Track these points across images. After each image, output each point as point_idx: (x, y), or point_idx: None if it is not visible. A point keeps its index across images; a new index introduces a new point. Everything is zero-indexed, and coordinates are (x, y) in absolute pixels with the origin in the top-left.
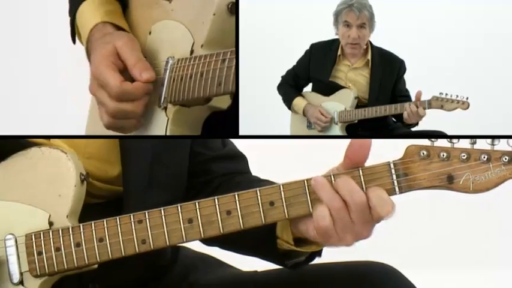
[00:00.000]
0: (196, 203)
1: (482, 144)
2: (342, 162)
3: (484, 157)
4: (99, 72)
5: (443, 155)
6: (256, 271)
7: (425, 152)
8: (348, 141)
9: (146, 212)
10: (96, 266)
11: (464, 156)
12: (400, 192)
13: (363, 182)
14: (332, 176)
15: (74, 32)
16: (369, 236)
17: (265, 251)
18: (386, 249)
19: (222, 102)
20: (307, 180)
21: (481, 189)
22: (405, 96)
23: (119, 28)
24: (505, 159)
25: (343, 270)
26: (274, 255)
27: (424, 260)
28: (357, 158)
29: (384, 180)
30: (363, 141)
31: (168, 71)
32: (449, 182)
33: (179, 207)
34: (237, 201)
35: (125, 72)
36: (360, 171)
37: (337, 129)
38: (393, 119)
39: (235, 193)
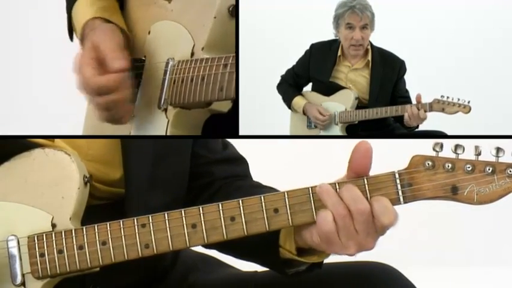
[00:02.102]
0: (200, 208)
1: (487, 156)
2: (345, 174)
3: (489, 169)
4: (81, 70)
5: (448, 166)
6: (256, 271)
7: (430, 163)
8: (347, 142)
9: (150, 216)
10: (98, 268)
11: (469, 167)
12: (405, 202)
13: (367, 191)
14: (337, 184)
15: (71, 29)
16: (372, 247)
17: (266, 258)
18: (387, 249)
19: (223, 106)
20: (312, 187)
21: (486, 201)
22: (405, 97)
23: (109, 22)
24: (510, 171)
25: (343, 271)
26: (276, 263)
27: (424, 260)
28: (360, 169)
29: (388, 189)
30: (364, 151)
31: (168, 73)
32: (453, 193)
33: (183, 212)
34: (241, 208)
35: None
36: (365, 180)
37: (337, 130)
38: (393, 118)
39: (240, 199)
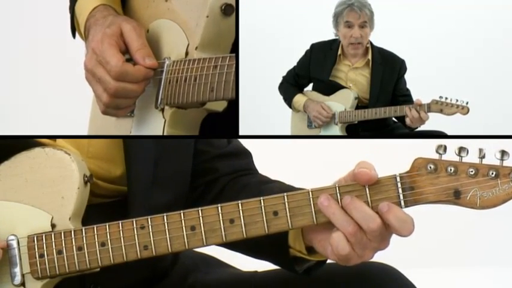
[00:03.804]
0: (200, 211)
1: (491, 159)
2: (346, 175)
3: (492, 173)
4: (101, 49)
5: (450, 170)
6: (256, 271)
7: (432, 166)
8: (347, 142)
9: (149, 217)
10: (98, 269)
11: (472, 171)
12: (406, 206)
13: (368, 195)
14: (337, 189)
15: (74, 26)
16: (387, 246)
17: (276, 258)
18: (386, 249)
19: (218, 105)
20: (312, 191)
21: (488, 206)
22: (406, 96)
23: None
24: None
25: (343, 270)
26: (285, 262)
27: (424, 260)
28: (364, 182)
29: (389, 193)
30: (367, 177)
31: (164, 72)
32: (456, 197)
33: (182, 214)
34: (241, 210)
35: (125, 55)
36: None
37: (337, 130)
38: (393, 118)
39: (239, 201)
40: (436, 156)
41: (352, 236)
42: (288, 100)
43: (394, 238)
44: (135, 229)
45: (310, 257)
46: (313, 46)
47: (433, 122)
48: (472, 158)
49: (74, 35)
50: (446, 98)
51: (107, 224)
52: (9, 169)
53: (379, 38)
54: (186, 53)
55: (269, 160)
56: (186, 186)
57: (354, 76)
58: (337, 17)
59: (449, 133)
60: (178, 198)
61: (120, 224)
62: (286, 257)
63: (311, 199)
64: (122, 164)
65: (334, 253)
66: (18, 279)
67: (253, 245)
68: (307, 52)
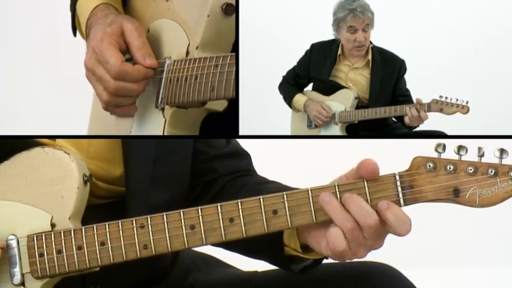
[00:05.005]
0: (199, 210)
1: (490, 157)
2: (346, 173)
3: (491, 171)
4: (100, 48)
5: (449, 168)
6: (256, 271)
7: (431, 164)
8: (347, 142)
9: (148, 216)
10: (98, 268)
11: (471, 169)
12: (405, 205)
13: (367, 194)
14: (337, 187)
15: (75, 25)
16: (381, 246)
17: (271, 257)
18: (387, 249)
19: (218, 105)
20: (311, 189)
21: (488, 204)
22: (406, 96)
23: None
24: None
25: (342, 270)
26: (281, 261)
27: (424, 260)
28: (369, 177)
29: (388, 192)
30: (372, 166)
31: (164, 72)
32: (455, 196)
33: (182, 213)
34: (240, 209)
35: (125, 55)
36: (365, 182)
37: (337, 129)
38: (393, 118)
39: (239, 201)
40: (435, 154)
41: (349, 232)
42: (288, 100)
43: (394, 238)
44: (134, 228)
45: (306, 255)
46: (313, 46)
47: (433, 121)
48: (471, 156)
49: (74, 34)
50: (446, 98)
51: (107, 223)
52: (9, 169)
53: (379, 38)
54: (187, 53)
55: (269, 160)
56: (185, 186)
57: (354, 76)
58: (338, 22)
59: (449, 133)
60: (177, 198)
61: (120, 224)
62: (282, 255)
63: (310, 198)
64: (122, 164)
65: (330, 251)
66: (17, 279)
67: (249, 245)
68: (307, 52)
